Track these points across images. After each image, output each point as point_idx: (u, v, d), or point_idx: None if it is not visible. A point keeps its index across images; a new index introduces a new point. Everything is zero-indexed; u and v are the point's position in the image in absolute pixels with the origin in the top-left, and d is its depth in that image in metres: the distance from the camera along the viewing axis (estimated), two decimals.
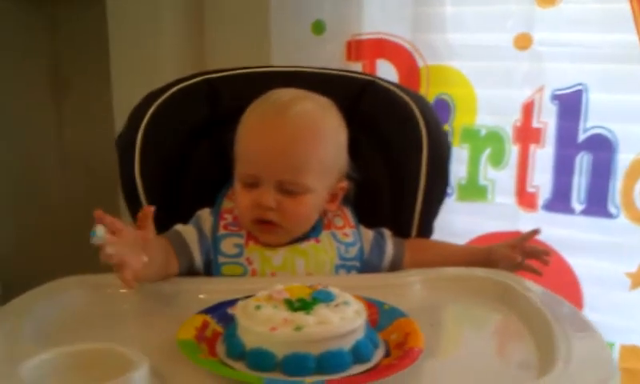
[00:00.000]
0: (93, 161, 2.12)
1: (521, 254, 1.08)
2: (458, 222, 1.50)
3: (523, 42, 1.40)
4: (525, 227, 1.48)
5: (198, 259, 1.03)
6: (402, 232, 1.16)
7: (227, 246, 1.04)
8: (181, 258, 1.02)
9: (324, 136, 1.05)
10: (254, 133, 1.04)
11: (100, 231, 0.83)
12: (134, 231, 0.89)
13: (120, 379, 0.66)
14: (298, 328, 0.71)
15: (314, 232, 1.07)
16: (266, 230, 1.02)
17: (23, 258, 2.24)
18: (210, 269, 1.04)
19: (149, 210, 0.91)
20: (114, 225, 0.85)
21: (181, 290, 0.96)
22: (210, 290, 0.95)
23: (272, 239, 1.04)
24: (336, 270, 1.06)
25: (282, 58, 1.57)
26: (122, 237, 0.85)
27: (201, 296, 0.94)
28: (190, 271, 1.03)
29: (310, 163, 1.02)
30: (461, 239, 1.50)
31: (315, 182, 1.02)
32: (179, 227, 1.06)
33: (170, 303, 0.94)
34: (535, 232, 1.11)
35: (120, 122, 1.77)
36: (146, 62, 1.80)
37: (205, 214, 1.08)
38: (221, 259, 1.03)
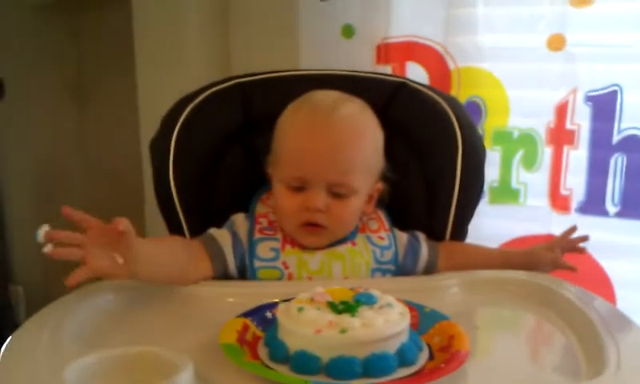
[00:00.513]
0: (117, 167, 2.13)
1: (560, 253, 1.10)
2: (489, 226, 1.47)
3: (556, 42, 1.38)
4: (557, 230, 1.45)
5: (232, 264, 1.03)
6: (435, 235, 1.15)
7: (263, 250, 1.03)
8: (214, 262, 1.02)
9: (367, 137, 1.05)
10: (301, 135, 1.02)
11: (41, 231, 0.81)
12: (107, 228, 0.84)
13: (166, 382, 0.65)
14: (344, 330, 0.71)
15: (350, 235, 1.06)
16: (312, 232, 1.02)
17: (46, 264, 2.26)
18: (245, 273, 1.03)
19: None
20: (85, 222, 0.83)
21: (213, 293, 0.96)
22: (238, 294, 0.95)
23: (316, 242, 1.03)
24: (371, 274, 1.05)
25: (310, 62, 1.57)
26: (90, 235, 0.83)
27: (230, 300, 0.94)
28: (225, 276, 1.03)
29: (357, 165, 1.02)
30: (492, 243, 1.46)
31: (360, 183, 1.02)
32: (213, 231, 1.06)
33: (201, 307, 0.93)
34: (573, 229, 1.12)
35: (145, 128, 1.78)
36: (171, 66, 1.80)
37: (239, 219, 1.08)
38: (257, 263, 1.02)
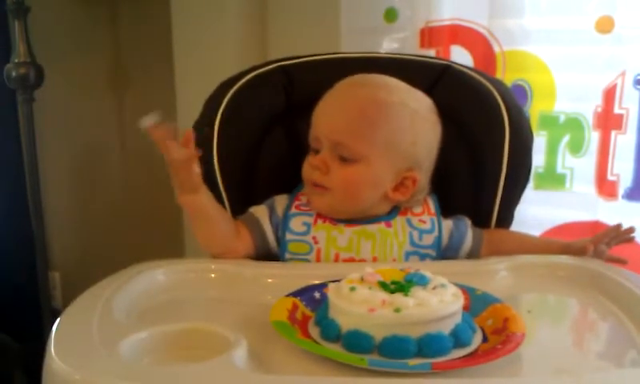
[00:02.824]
0: (154, 154, 2.14)
1: (606, 247, 1.06)
2: (534, 212, 1.45)
3: (605, 25, 1.35)
4: (604, 217, 1.44)
5: (270, 234, 1.05)
6: (481, 220, 1.13)
7: (296, 223, 1.04)
8: (254, 235, 1.05)
9: (397, 117, 1.03)
10: (327, 99, 1.05)
11: (147, 119, 0.88)
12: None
13: (220, 358, 0.65)
14: (398, 309, 0.70)
15: (387, 216, 1.05)
16: (316, 191, 1.04)
17: (83, 250, 2.28)
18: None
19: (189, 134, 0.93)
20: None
21: (261, 274, 0.96)
22: (278, 275, 0.95)
23: (319, 202, 1.04)
24: (406, 257, 1.04)
25: (351, 48, 1.55)
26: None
27: (269, 280, 0.94)
28: (265, 248, 1.05)
29: (373, 135, 1.01)
30: (537, 229, 1.46)
31: (374, 156, 1.01)
32: (251, 208, 1.09)
33: (252, 288, 0.93)
34: (618, 227, 1.08)
35: (182, 114, 1.79)
36: (209, 54, 1.81)
37: (281, 198, 1.09)
38: (288, 236, 1.04)
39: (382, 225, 1.04)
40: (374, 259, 1.02)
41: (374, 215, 1.05)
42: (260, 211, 1.07)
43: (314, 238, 1.03)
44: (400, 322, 0.69)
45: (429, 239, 1.06)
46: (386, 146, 1.02)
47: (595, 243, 1.05)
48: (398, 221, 1.06)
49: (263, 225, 1.05)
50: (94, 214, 2.28)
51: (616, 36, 1.36)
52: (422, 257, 1.05)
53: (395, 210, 1.06)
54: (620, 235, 1.08)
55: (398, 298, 0.71)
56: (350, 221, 1.04)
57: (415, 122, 1.04)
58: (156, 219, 2.13)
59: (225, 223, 1.03)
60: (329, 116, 1.03)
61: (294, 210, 1.06)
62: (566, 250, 1.06)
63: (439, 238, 1.06)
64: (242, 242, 1.04)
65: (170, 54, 1.88)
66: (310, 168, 1.04)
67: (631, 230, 1.08)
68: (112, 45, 2.14)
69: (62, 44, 2.12)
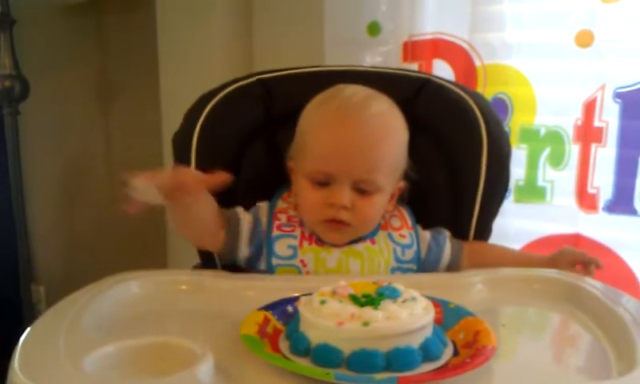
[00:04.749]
0: (140, 165, 2.13)
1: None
2: (515, 225, 1.46)
3: (585, 39, 1.36)
4: (585, 230, 1.44)
5: (244, 247, 1.03)
6: (459, 232, 1.13)
7: (281, 247, 1.02)
8: (228, 236, 1.03)
9: (395, 136, 1.03)
10: (330, 130, 1.00)
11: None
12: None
13: (186, 372, 0.64)
14: (366, 323, 0.69)
15: (370, 233, 1.05)
16: (335, 228, 1.00)
17: (68, 264, 2.27)
18: (255, 263, 1.03)
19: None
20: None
21: (236, 287, 0.95)
22: (259, 288, 0.94)
23: (338, 238, 1.02)
24: (391, 273, 1.03)
25: (335, 61, 1.55)
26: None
27: (250, 293, 0.93)
28: (232, 255, 1.04)
29: (384, 163, 1.00)
30: (518, 242, 1.46)
31: (385, 181, 1.01)
32: (239, 210, 1.06)
33: (225, 300, 0.92)
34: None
35: (168, 127, 1.79)
36: (194, 66, 1.81)
37: (264, 208, 1.07)
38: (275, 261, 1.02)
39: (368, 242, 1.04)
40: None
41: (361, 235, 1.04)
42: (245, 220, 1.04)
43: (301, 261, 1.01)
44: (368, 336, 0.69)
45: (410, 254, 1.06)
46: (394, 169, 1.03)
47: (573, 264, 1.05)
48: (381, 236, 1.05)
49: (242, 232, 1.03)
50: (80, 227, 2.27)
51: (596, 50, 1.36)
52: (405, 272, 1.04)
53: (377, 226, 1.06)
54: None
55: (368, 311, 0.71)
56: None
57: (404, 133, 1.05)
58: (141, 233, 2.13)
59: (209, 221, 1.02)
60: (345, 155, 0.98)
61: (276, 232, 1.03)
62: (552, 264, 1.05)
63: (418, 251, 1.06)
64: (220, 234, 1.03)
65: (155, 66, 1.88)
66: (325, 206, 0.99)
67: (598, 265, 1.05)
68: (97, 57, 2.14)
69: (48, 56, 2.12)
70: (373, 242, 1.04)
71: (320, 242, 1.03)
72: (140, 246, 2.12)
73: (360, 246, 1.03)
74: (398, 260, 1.04)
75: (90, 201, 2.24)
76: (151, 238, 2.02)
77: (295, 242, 1.03)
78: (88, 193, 2.24)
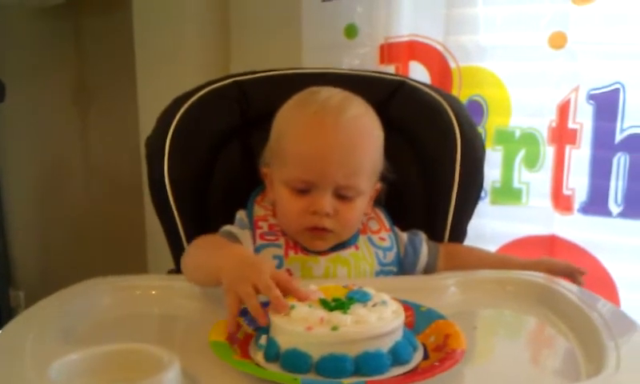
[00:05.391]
0: (117, 169, 2.13)
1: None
2: (491, 226, 1.46)
3: (558, 40, 1.37)
4: (560, 231, 1.45)
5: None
6: (434, 234, 1.13)
7: (266, 257, 1.00)
8: None
9: (373, 139, 1.02)
10: (309, 137, 0.97)
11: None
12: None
13: (151, 379, 0.64)
14: (335, 328, 0.69)
15: (353, 239, 1.04)
16: (318, 236, 0.99)
17: (47, 268, 2.25)
18: None
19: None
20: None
21: (206, 292, 0.93)
22: None
23: (321, 245, 1.01)
24: (376, 277, 1.03)
25: (312, 63, 1.56)
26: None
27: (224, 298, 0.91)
28: None
29: (364, 167, 0.99)
30: (494, 244, 1.47)
31: (365, 185, 1.00)
32: (233, 229, 1.03)
33: (196, 305, 0.91)
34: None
35: (145, 129, 1.78)
36: (171, 69, 1.80)
37: (245, 218, 1.05)
38: None
39: (353, 249, 1.03)
40: None
41: (344, 239, 1.03)
42: (244, 237, 1.01)
43: (287, 270, 0.98)
44: (337, 341, 0.68)
45: (390, 256, 1.05)
46: (373, 172, 1.03)
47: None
48: (362, 241, 1.05)
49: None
50: (58, 231, 2.25)
51: (569, 51, 1.37)
52: (387, 274, 1.04)
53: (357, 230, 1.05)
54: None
55: (337, 315, 0.71)
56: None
57: (381, 136, 1.04)
58: (119, 236, 2.12)
59: None
60: (326, 161, 0.95)
61: (259, 242, 1.01)
62: (525, 268, 1.04)
63: (398, 252, 1.06)
64: None
65: (133, 68, 1.87)
66: (307, 214, 0.97)
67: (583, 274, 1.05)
68: (75, 60, 2.13)
69: (25, 59, 2.10)
70: (357, 248, 1.03)
71: (305, 250, 1.01)
72: (120, 249, 2.11)
73: (346, 253, 1.02)
74: (380, 263, 1.04)
75: (69, 205, 2.22)
76: (130, 240, 2.01)
77: (280, 252, 1.01)
78: (66, 197, 2.23)
